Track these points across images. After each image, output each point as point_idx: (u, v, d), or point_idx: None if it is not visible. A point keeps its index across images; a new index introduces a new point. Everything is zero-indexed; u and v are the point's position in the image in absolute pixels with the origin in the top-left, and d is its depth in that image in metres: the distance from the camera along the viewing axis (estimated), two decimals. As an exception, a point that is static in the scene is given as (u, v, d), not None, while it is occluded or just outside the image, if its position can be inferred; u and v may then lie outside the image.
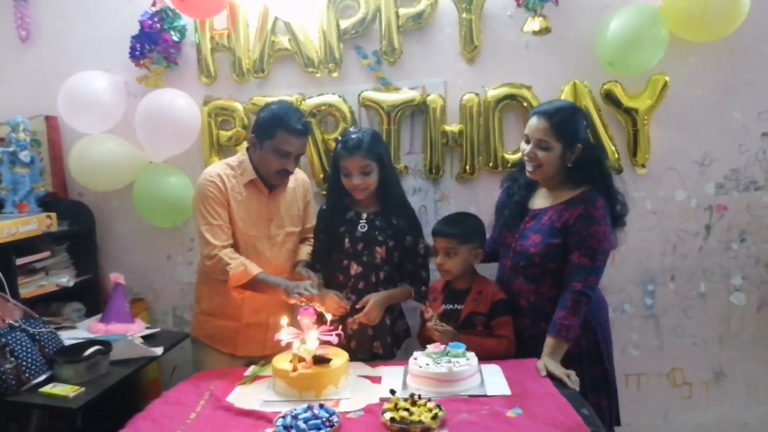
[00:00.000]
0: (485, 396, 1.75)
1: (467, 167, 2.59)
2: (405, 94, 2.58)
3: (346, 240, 2.24)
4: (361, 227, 2.25)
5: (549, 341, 1.96)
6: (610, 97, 2.46)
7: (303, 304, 2.02)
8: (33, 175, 2.69)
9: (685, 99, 2.46)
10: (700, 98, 2.46)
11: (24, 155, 2.63)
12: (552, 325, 1.97)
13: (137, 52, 2.68)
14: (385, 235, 2.24)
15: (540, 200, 2.14)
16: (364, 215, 2.27)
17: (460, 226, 2.24)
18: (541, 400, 1.69)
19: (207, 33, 2.71)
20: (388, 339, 2.27)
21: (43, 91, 2.82)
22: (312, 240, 2.39)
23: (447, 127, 2.58)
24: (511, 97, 2.52)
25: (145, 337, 2.49)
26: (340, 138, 2.35)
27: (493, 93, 2.52)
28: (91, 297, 2.79)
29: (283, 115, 2.14)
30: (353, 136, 2.21)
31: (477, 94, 2.55)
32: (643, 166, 2.50)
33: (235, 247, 2.18)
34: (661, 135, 2.49)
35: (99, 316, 2.62)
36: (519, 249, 2.10)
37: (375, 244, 2.23)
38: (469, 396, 1.75)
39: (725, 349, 2.58)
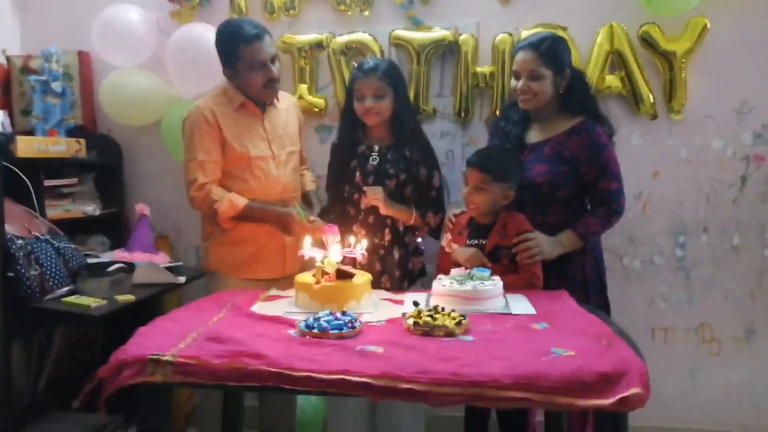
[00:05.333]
0: (510, 314, 1.71)
1: (497, 111, 2.55)
2: (437, 33, 2.54)
3: (357, 174, 2.23)
4: (372, 160, 2.24)
5: (566, 231, 2.05)
6: (647, 40, 2.40)
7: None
8: (64, 106, 2.69)
9: (724, 43, 2.39)
10: (741, 42, 2.39)
11: (56, 85, 2.63)
12: (578, 222, 2.06)
13: (170, -13, 2.69)
14: (397, 168, 2.21)
15: (535, 134, 2.17)
16: (376, 148, 2.25)
17: (498, 162, 2.08)
18: (568, 317, 1.65)
19: (239, -31, 2.70)
20: (397, 273, 2.23)
21: (76, 27, 2.82)
22: (306, 170, 2.50)
23: (478, 69, 2.54)
24: (545, 38, 2.47)
25: (167, 270, 2.50)
26: (355, 64, 2.36)
27: (526, 34, 2.45)
28: (116, 231, 2.80)
29: (234, 31, 2.16)
30: (370, 60, 2.27)
31: (510, 35, 2.50)
32: (679, 112, 2.44)
33: (243, 172, 2.19)
34: (699, 81, 2.42)
35: (123, 248, 2.63)
36: (523, 183, 2.08)
37: (385, 178, 2.21)
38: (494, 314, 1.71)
39: (757, 305, 2.50)
